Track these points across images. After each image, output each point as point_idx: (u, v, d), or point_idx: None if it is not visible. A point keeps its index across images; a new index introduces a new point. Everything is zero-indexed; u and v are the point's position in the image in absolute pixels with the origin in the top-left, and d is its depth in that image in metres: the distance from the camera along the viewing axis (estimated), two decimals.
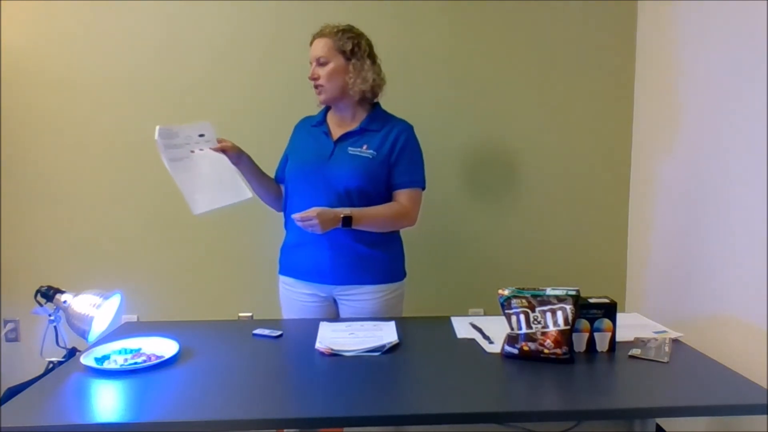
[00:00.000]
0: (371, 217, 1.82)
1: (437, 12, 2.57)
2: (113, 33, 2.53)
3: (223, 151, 1.82)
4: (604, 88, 2.65)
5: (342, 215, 1.76)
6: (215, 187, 1.81)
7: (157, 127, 1.71)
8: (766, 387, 1.30)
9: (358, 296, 1.89)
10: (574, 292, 1.46)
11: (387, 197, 1.89)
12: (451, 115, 2.62)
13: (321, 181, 1.83)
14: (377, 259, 1.88)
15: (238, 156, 1.86)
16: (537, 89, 2.63)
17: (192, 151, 1.77)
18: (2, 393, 1.61)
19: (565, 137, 2.67)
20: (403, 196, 1.88)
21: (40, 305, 1.67)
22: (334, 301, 1.95)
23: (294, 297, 1.96)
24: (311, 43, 1.88)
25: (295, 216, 1.72)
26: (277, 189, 2.02)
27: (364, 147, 1.85)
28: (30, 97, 2.54)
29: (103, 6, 2.51)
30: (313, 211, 1.71)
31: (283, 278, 2.00)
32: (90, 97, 2.55)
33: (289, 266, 1.97)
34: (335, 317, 1.93)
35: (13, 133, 2.56)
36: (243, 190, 1.86)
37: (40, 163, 2.58)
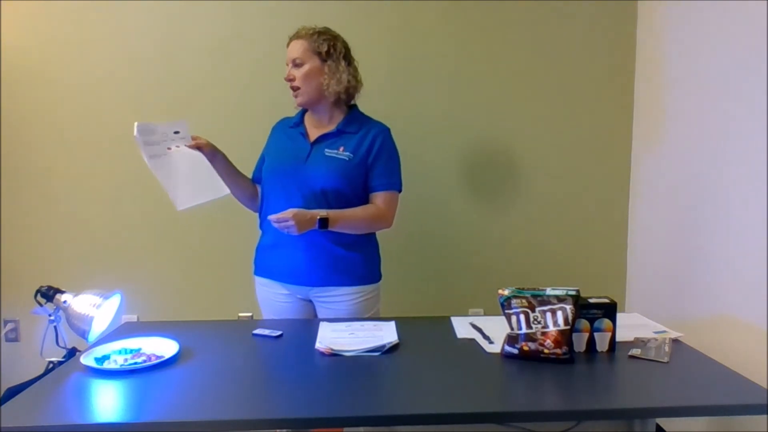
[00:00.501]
0: (347, 218, 1.82)
1: (437, 12, 2.57)
2: (113, 33, 2.53)
3: (198, 148, 1.82)
4: (604, 88, 2.65)
5: (318, 217, 1.76)
6: (194, 183, 1.82)
7: (136, 124, 1.73)
8: (766, 387, 1.29)
9: (334, 297, 1.89)
10: (574, 292, 1.46)
11: (364, 199, 1.89)
12: (451, 115, 2.62)
13: (297, 182, 1.83)
14: (353, 260, 1.88)
15: (212, 154, 1.86)
16: (537, 89, 2.63)
17: (168, 148, 1.78)
18: (2, 393, 1.61)
19: (565, 137, 2.67)
20: (379, 198, 1.89)
21: (40, 305, 1.67)
22: (311, 301, 1.95)
23: (271, 297, 1.97)
24: (288, 45, 1.88)
25: (272, 217, 1.72)
26: (253, 189, 2.02)
27: (341, 149, 1.85)
28: (30, 97, 2.54)
29: (103, 6, 2.51)
30: (289, 212, 1.71)
31: (259, 279, 2.01)
32: (90, 97, 2.55)
33: (265, 267, 1.97)
34: (313, 317, 1.94)
35: (13, 133, 2.56)
36: (221, 187, 1.85)
37: (40, 163, 2.58)
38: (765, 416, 1.46)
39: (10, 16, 2.50)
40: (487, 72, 2.62)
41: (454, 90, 2.62)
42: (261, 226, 2.00)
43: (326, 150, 1.85)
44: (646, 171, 2.58)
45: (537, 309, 1.46)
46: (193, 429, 1.17)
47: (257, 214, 2.02)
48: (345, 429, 1.75)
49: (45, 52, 2.53)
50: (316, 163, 1.84)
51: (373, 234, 1.98)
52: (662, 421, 2.40)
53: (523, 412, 1.22)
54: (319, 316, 1.94)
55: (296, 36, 1.86)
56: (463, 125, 2.63)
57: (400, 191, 1.95)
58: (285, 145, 1.93)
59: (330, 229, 1.78)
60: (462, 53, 2.60)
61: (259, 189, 2.02)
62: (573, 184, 2.69)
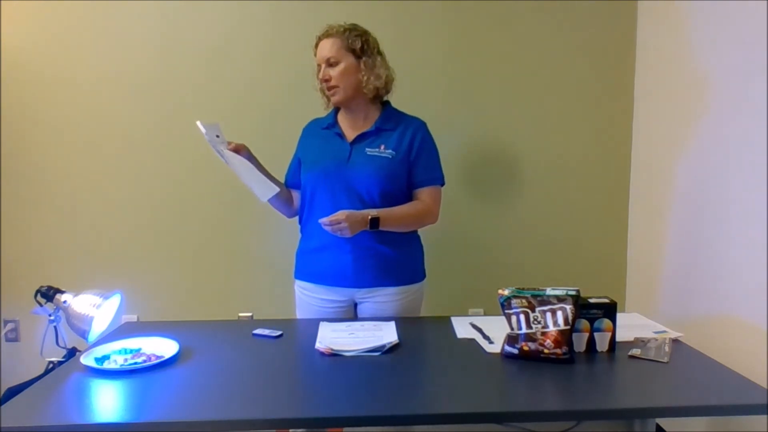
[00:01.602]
0: (397, 217, 1.82)
1: (436, 12, 2.57)
2: (113, 33, 2.53)
3: (237, 151, 1.82)
4: (604, 88, 2.65)
5: (369, 217, 1.75)
6: (255, 181, 1.83)
7: (199, 123, 1.74)
8: (766, 387, 1.30)
9: (379, 298, 1.87)
10: (574, 292, 1.46)
11: (408, 195, 1.88)
12: (450, 115, 2.62)
13: (341, 184, 1.82)
14: (399, 260, 1.87)
15: (249, 158, 1.86)
16: (537, 89, 2.63)
17: (222, 150, 1.79)
18: (2, 393, 1.61)
19: (565, 137, 2.67)
20: (424, 194, 1.88)
21: (40, 305, 1.67)
22: (354, 304, 1.93)
23: (311, 302, 1.94)
24: (317, 45, 1.85)
25: (323, 220, 1.71)
26: (287, 193, 2.00)
27: (382, 147, 1.84)
28: (30, 97, 2.54)
29: (103, 6, 2.51)
30: (341, 214, 1.70)
31: (300, 283, 1.97)
32: (90, 96, 2.55)
33: (308, 271, 1.93)
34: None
35: (13, 133, 2.56)
36: (272, 185, 1.85)
37: (40, 163, 2.58)
38: (765, 416, 1.46)
39: (10, 16, 2.50)
40: (487, 72, 2.62)
41: (454, 90, 2.62)
42: (302, 231, 1.97)
43: (367, 149, 1.84)
44: (646, 171, 2.58)
45: (537, 309, 1.46)
46: (193, 429, 1.17)
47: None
48: (345, 429, 1.75)
49: (45, 52, 2.53)
50: (359, 164, 1.82)
51: (416, 232, 1.97)
52: (662, 421, 2.40)
53: (523, 412, 1.22)
54: (363, 317, 1.91)
55: (326, 35, 1.83)
56: (462, 125, 2.63)
57: (443, 185, 1.94)
58: (322, 147, 1.90)
59: (380, 228, 1.77)
60: (462, 53, 2.60)
61: (293, 193, 2.01)
62: (573, 184, 2.69)
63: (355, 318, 1.93)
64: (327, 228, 1.72)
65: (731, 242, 1.99)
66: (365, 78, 1.82)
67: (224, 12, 2.54)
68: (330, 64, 1.81)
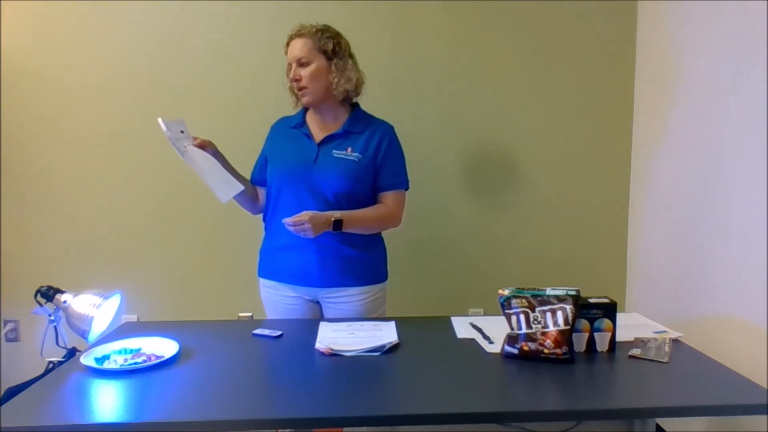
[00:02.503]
0: (360, 219, 1.83)
1: (436, 11, 2.57)
2: (113, 33, 2.53)
3: (203, 147, 1.81)
4: (604, 88, 2.65)
5: (333, 218, 1.76)
6: (218, 179, 1.82)
7: (160, 120, 1.73)
8: (766, 387, 1.30)
9: (343, 298, 1.89)
10: (574, 292, 1.46)
11: (372, 198, 1.90)
12: (451, 115, 2.62)
13: (307, 185, 1.83)
14: (362, 261, 1.89)
15: (215, 153, 1.85)
16: (537, 89, 2.63)
17: (185, 146, 1.78)
18: (2, 393, 1.61)
19: (565, 137, 2.67)
20: (388, 197, 1.89)
21: (40, 305, 1.67)
22: (318, 302, 1.95)
23: (277, 300, 1.96)
24: (288, 44, 1.85)
25: (287, 220, 1.72)
26: (252, 190, 2.00)
27: (349, 150, 1.85)
28: (30, 97, 2.54)
29: (103, 6, 2.51)
30: (305, 215, 1.71)
31: (264, 281, 1.99)
32: (90, 96, 2.55)
33: (272, 269, 1.95)
34: (319, 318, 1.93)
35: (13, 133, 2.56)
36: (236, 183, 1.85)
37: (40, 163, 2.58)
38: (765, 416, 1.46)
39: (10, 16, 2.50)
40: (486, 72, 2.62)
41: (454, 90, 2.62)
42: (267, 229, 1.99)
43: (334, 151, 1.84)
44: (646, 171, 2.58)
45: (537, 309, 1.46)
46: (193, 429, 1.17)
47: (261, 217, 2.01)
48: (345, 429, 1.75)
49: (45, 52, 2.52)
50: (325, 165, 1.83)
51: (380, 234, 1.98)
52: (662, 421, 2.40)
53: (523, 412, 1.22)
54: (326, 316, 1.93)
55: (298, 34, 1.83)
56: (462, 125, 2.63)
57: (407, 189, 1.95)
58: (289, 146, 1.91)
59: (343, 230, 1.78)
60: (462, 53, 2.60)
61: (258, 190, 2.01)
62: (573, 184, 2.69)
63: (321, 316, 1.94)
64: (290, 228, 1.72)
65: (731, 242, 1.99)
66: (336, 80, 1.82)
67: (224, 12, 2.54)
68: (301, 64, 1.81)
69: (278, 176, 1.88)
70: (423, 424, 1.22)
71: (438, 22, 2.57)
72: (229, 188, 1.82)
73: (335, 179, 1.81)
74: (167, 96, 2.56)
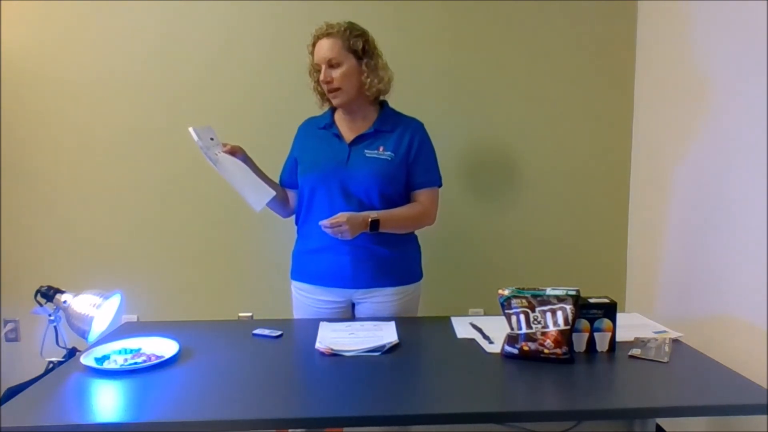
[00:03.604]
0: (396, 219, 1.81)
1: (437, 12, 2.57)
2: (113, 33, 2.53)
3: (233, 153, 1.80)
4: (604, 88, 2.65)
5: (370, 219, 1.74)
6: (250, 186, 1.80)
7: (191, 129, 1.71)
8: (766, 387, 1.29)
9: (377, 299, 1.87)
10: (574, 292, 1.46)
11: (405, 197, 1.88)
12: (450, 115, 2.62)
13: (340, 186, 1.81)
14: (397, 261, 1.87)
15: (244, 159, 1.85)
16: (537, 89, 2.63)
17: (216, 154, 1.76)
18: (2, 393, 1.61)
19: (565, 137, 2.67)
20: (422, 195, 1.88)
21: (40, 305, 1.67)
22: (352, 305, 1.93)
23: (309, 303, 1.93)
24: (314, 44, 1.81)
25: (324, 222, 1.70)
26: (283, 193, 1.98)
27: (381, 149, 1.83)
28: (30, 97, 2.54)
29: (102, 6, 2.51)
30: (342, 216, 1.70)
31: (297, 284, 1.96)
32: (90, 97, 2.55)
33: (306, 272, 1.92)
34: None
35: (13, 133, 2.56)
36: (268, 189, 1.83)
37: (40, 163, 2.58)
38: (765, 416, 1.46)
39: (10, 16, 2.50)
40: (486, 72, 2.62)
41: (454, 90, 2.62)
42: (299, 232, 1.96)
43: (366, 151, 1.83)
44: (646, 171, 2.58)
45: (537, 309, 1.46)
46: (193, 429, 1.17)
47: (294, 219, 1.98)
48: (345, 429, 1.75)
49: (45, 52, 2.52)
50: (358, 165, 1.81)
51: (413, 232, 1.97)
52: (662, 421, 2.40)
53: (523, 412, 1.22)
54: (360, 317, 1.91)
55: (326, 34, 1.79)
56: (462, 125, 2.63)
57: (440, 186, 1.94)
58: (319, 147, 1.88)
59: (380, 230, 1.77)
60: (462, 53, 2.60)
61: (289, 193, 2.00)
62: (573, 184, 2.69)
63: (353, 318, 1.92)
64: (327, 230, 1.71)
65: (731, 242, 1.99)
66: (368, 80, 1.80)
67: (225, 13, 2.54)
68: (331, 65, 1.78)
69: (310, 178, 1.86)
70: (423, 424, 1.22)
71: (438, 22, 2.57)
72: (261, 195, 1.80)
73: (368, 179, 1.80)
74: (167, 96, 2.56)
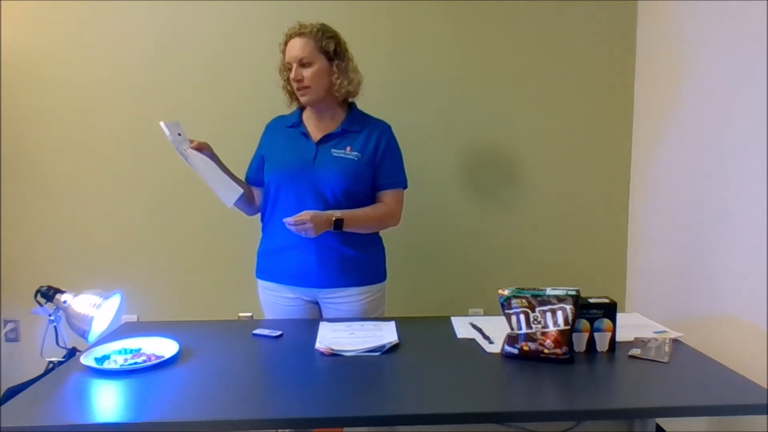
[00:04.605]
0: (360, 218, 1.83)
1: (436, 11, 2.57)
2: (113, 33, 2.53)
3: (200, 150, 1.80)
4: (604, 88, 2.65)
5: (334, 218, 1.76)
6: (219, 182, 1.81)
7: (162, 123, 1.71)
8: (766, 387, 1.30)
9: (342, 298, 1.89)
10: (574, 292, 1.46)
11: (371, 197, 1.90)
12: (451, 115, 2.62)
13: (307, 184, 1.82)
14: (362, 261, 1.89)
15: (211, 156, 1.84)
16: (537, 89, 2.63)
17: (185, 149, 1.76)
18: (2, 393, 1.61)
19: (565, 137, 2.67)
20: (388, 196, 1.89)
21: (40, 305, 1.67)
22: (318, 303, 1.95)
23: (276, 301, 1.95)
24: (286, 43, 1.83)
25: (288, 220, 1.71)
26: (249, 191, 1.98)
27: (348, 149, 1.84)
28: (30, 97, 2.54)
29: (102, 6, 2.51)
30: (306, 214, 1.71)
31: (263, 282, 1.98)
32: (90, 97, 2.55)
33: (271, 271, 1.94)
34: (319, 319, 1.93)
35: (13, 133, 2.56)
36: (236, 186, 1.84)
37: (40, 163, 2.58)
38: (765, 416, 1.46)
39: (10, 16, 2.50)
40: (486, 72, 2.62)
41: (454, 90, 2.62)
42: (264, 230, 1.98)
43: (333, 150, 1.84)
44: (646, 171, 2.58)
45: (537, 309, 1.46)
46: (193, 429, 1.17)
47: (259, 217, 2.00)
48: (345, 429, 1.75)
49: (45, 52, 2.52)
50: (325, 164, 1.82)
51: (378, 233, 1.98)
52: (662, 421, 2.40)
53: (523, 412, 1.22)
54: (325, 317, 1.93)
55: (298, 34, 1.81)
56: (462, 125, 2.63)
57: (405, 188, 1.95)
58: (286, 145, 1.90)
59: (344, 229, 1.78)
60: (461, 53, 2.60)
61: (255, 191, 2.00)
62: (573, 184, 2.69)
63: (320, 316, 1.94)
64: (291, 228, 1.71)
65: (731, 242, 1.99)
66: (338, 81, 1.82)
67: (225, 13, 2.54)
68: (302, 64, 1.80)
69: (277, 176, 1.87)
70: (423, 424, 1.22)
71: (437, 22, 2.57)
72: (230, 192, 1.81)
73: (335, 178, 1.81)
74: (167, 96, 2.56)
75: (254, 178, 1.99)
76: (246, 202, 1.98)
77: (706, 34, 2.13)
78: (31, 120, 2.56)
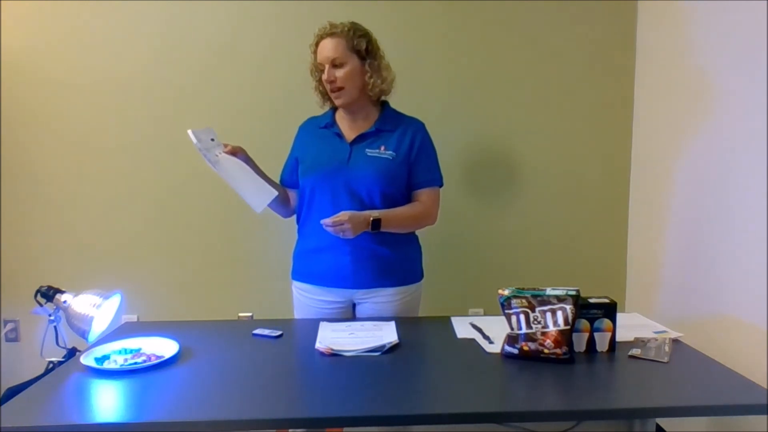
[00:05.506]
0: (398, 218, 1.81)
1: (437, 11, 2.57)
2: (113, 33, 2.53)
3: (234, 154, 1.79)
4: (604, 88, 2.65)
5: (371, 218, 1.74)
6: (251, 186, 1.80)
7: (190, 132, 1.70)
8: (766, 387, 1.30)
9: (378, 299, 1.87)
10: (574, 292, 1.46)
11: (407, 196, 1.88)
12: (450, 116, 2.62)
13: (342, 185, 1.80)
14: (397, 261, 1.87)
15: (246, 159, 1.84)
16: (537, 89, 2.63)
17: (217, 155, 1.75)
18: (2, 393, 1.61)
19: (565, 137, 2.67)
20: (423, 195, 1.88)
21: (40, 305, 1.67)
22: (353, 305, 1.93)
23: (310, 303, 1.93)
24: (317, 44, 1.81)
25: (325, 221, 1.69)
26: (284, 193, 1.98)
27: (382, 148, 1.83)
28: (30, 97, 2.54)
29: (103, 6, 2.51)
30: (344, 215, 1.69)
31: (298, 284, 1.96)
32: (90, 97, 2.55)
33: (306, 272, 1.92)
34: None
35: (13, 133, 2.56)
36: (270, 189, 1.82)
37: (39, 164, 2.58)
38: (765, 416, 1.46)
39: (10, 16, 2.50)
40: (487, 72, 2.62)
41: (454, 90, 2.62)
42: (300, 231, 1.96)
43: (367, 150, 1.82)
44: (646, 171, 2.58)
45: (537, 309, 1.46)
46: (193, 429, 1.17)
47: (295, 219, 1.97)
48: (345, 429, 1.75)
49: (45, 52, 2.52)
50: (359, 164, 1.81)
51: (414, 232, 1.97)
52: (662, 421, 2.40)
53: (523, 412, 1.22)
54: (359, 317, 1.90)
55: (330, 34, 1.79)
56: (462, 125, 2.63)
57: (441, 186, 1.93)
58: (320, 146, 1.88)
59: (381, 229, 1.77)
60: (462, 53, 2.60)
61: (290, 193, 1.99)
62: (573, 184, 2.69)
63: (353, 318, 1.92)
64: (329, 229, 1.70)
65: (731, 242, 1.99)
66: (371, 80, 1.80)
67: (225, 13, 2.54)
68: (335, 65, 1.77)
69: (312, 178, 1.85)
70: (423, 423, 1.22)
71: (437, 23, 2.57)
72: (263, 196, 1.80)
73: (370, 178, 1.79)
74: (168, 96, 2.56)
75: (289, 180, 1.98)
76: (281, 204, 1.97)
77: (706, 34, 2.13)
78: (31, 120, 2.56)
